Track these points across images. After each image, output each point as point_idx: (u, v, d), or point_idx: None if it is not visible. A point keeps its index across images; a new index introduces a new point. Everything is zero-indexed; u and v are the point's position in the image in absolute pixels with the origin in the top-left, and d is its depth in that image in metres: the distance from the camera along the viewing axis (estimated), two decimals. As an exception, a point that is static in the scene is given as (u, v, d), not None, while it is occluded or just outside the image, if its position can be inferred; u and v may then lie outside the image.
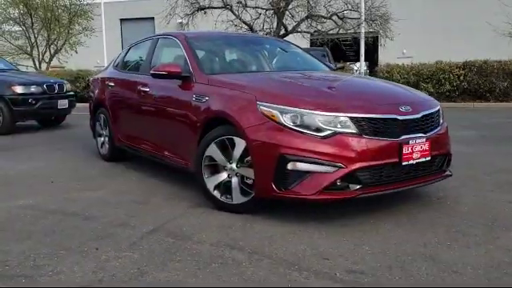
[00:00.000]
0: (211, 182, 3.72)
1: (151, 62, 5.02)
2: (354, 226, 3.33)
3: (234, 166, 3.59)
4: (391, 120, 3.31)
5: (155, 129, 4.69)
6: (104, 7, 23.85)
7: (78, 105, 10.55)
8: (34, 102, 8.77)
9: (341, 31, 17.21)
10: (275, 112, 3.29)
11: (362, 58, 18.57)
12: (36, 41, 21.07)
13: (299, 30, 16.55)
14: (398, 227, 3.30)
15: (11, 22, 20.99)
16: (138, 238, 3.15)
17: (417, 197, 4.01)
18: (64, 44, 21.17)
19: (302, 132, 3.20)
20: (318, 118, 3.20)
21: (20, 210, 3.82)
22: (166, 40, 5.05)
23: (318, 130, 3.19)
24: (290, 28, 16.65)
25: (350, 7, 16.46)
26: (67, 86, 9.81)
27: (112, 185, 4.68)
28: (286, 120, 3.25)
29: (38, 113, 8.99)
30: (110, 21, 26.73)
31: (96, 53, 24.40)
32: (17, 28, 21.25)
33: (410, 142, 3.33)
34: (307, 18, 16.43)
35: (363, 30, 17.08)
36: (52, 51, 21.21)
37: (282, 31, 16.52)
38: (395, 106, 3.42)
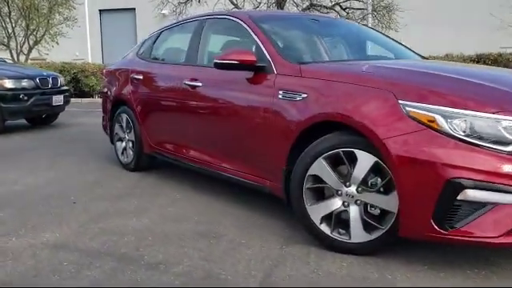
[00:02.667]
0: (317, 212, 2.72)
1: (198, 49, 3.97)
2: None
3: (353, 190, 2.60)
4: None
5: (210, 134, 3.66)
6: (84, -4, 22.41)
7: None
8: (25, 98, 7.57)
9: (344, 22, 16.29)
10: (436, 116, 2.30)
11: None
12: (13, 31, 19.54)
13: (301, 20, 15.57)
14: None
15: (-15, 10, 19.44)
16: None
17: None
18: (44, 35, 19.71)
19: (478, 145, 2.22)
20: (503, 124, 2.23)
21: (49, 252, 2.76)
22: (219, 22, 4.00)
23: (502, 142, 2.21)
24: (291, 18, 15.66)
25: (354, -3, 15.58)
26: (61, 80, 8.61)
27: (155, 206, 3.63)
28: (455, 127, 2.26)
29: (30, 110, 7.78)
30: (89, 11, 25.24)
31: (76, 45, 22.91)
32: (-9, 17, 19.69)
33: None
34: (309, 7, 15.47)
35: (370, 21, 16.18)
36: (31, 42, 19.72)
37: (284, 21, 15.51)
38: None
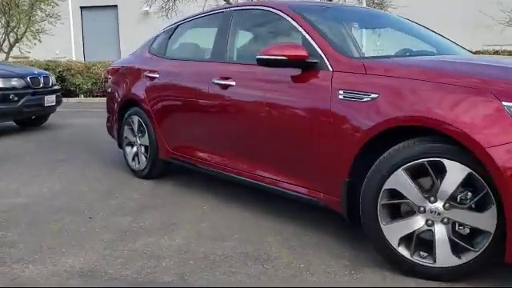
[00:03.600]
0: (394, 232, 2.34)
1: (227, 44, 3.55)
2: None
3: (439, 206, 2.23)
4: None
5: (246, 140, 3.26)
6: (66, -8, 21.66)
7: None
8: (16, 98, 7.04)
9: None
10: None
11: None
12: (-7, 28, 18.75)
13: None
14: None
15: (-38, 6, 18.64)
16: None
17: None
18: (25, 32, 18.97)
19: None
20: None
21: (78, 283, 2.31)
22: (251, 13, 3.60)
23: None
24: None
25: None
26: (53, 79, 8.09)
27: (184, 221, 3.22)
28: None
29: (21, 112, 7.25)
30: (73, 8, 24.47)
31: (59, 42, 22.17)
32: (-31, 14, 18.89)
33: None
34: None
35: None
36: (11, 40, 18.97)
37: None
38: None
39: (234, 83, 3.29)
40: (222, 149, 3.48)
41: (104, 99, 13.62)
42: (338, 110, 2.59)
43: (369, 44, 3.35)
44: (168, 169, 4.38)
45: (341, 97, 2.59)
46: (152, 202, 3.69)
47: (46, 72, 8.26)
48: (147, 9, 19.40)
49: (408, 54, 3.21)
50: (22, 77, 7.25)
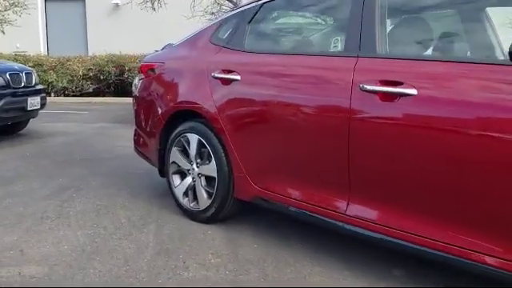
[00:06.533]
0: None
1: (377, 33, 2.24)
2: None
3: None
4: None
5: (426, 181, 1.97)
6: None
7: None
8: (-7, 100, 5.50)
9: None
10: None
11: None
12: None
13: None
14: None
15: None
16: None
17: None
18: (-14, 22, 17.00)
19: None
20: None
21: None
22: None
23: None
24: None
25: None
26: (36, 77, 6.55)
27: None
28: None
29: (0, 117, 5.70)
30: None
31: (24, 35, 20.14)
32: None
33: None
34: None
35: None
36: (-30, 31, 16.94)
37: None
38: None
39: (414, 92, 1.98)
40: (370, 194, 2.19)
41: (83, 100, 12.07)
42: None
43: None
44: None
45: None
46: (246, 273, 2.35)
47: (29, 68, 6.70)
48: (117, 1, 17.96)
49: None
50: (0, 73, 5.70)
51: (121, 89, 12.72)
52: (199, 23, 12.77)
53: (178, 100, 3.13)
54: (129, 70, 12.20)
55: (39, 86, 6.53)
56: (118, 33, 16.88)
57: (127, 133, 6.78)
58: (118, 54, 12.95)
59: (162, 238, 2.82)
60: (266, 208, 2.76)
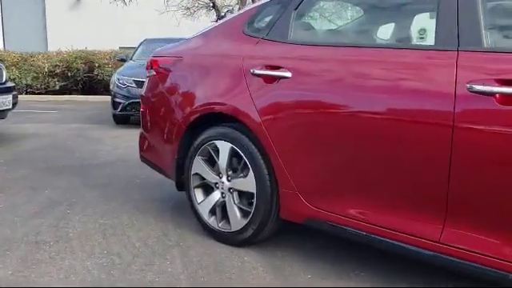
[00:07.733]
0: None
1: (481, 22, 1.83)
2: None
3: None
4: None
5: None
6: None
7: None
8: (-41, 99, 4.83)
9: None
10: None
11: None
12: None
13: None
14: None
15: None
16: None
17: None
18: None
19: None
20: None
21: None
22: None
23: None
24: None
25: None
26: (5, 73, 5.87)
27: None
28: None
29: (-34, 119, 5.03)
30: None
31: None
32: None
33: None
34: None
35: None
36: None
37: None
38: None
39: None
40: (475, 218, 1.78)
41: (50, 98, 11.27)
42: None
43: None
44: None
45: None
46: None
47: (-2, 63, 6.01)
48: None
49: None
50: (-34, 69, 5.04)
51: (89, 87, 12.00)
52: (173, 18, 12.21)
53: (205, 101, 2.63)
54: (99, 67, 11.50)
55: (10, 84, 5.86)
56: (81, 29, 15.99)
57: (107, 135, 6.20)
58: (87, 50, 12.22)
59: (193, 268, 2.33)
60: (317, 230, 2.31)
